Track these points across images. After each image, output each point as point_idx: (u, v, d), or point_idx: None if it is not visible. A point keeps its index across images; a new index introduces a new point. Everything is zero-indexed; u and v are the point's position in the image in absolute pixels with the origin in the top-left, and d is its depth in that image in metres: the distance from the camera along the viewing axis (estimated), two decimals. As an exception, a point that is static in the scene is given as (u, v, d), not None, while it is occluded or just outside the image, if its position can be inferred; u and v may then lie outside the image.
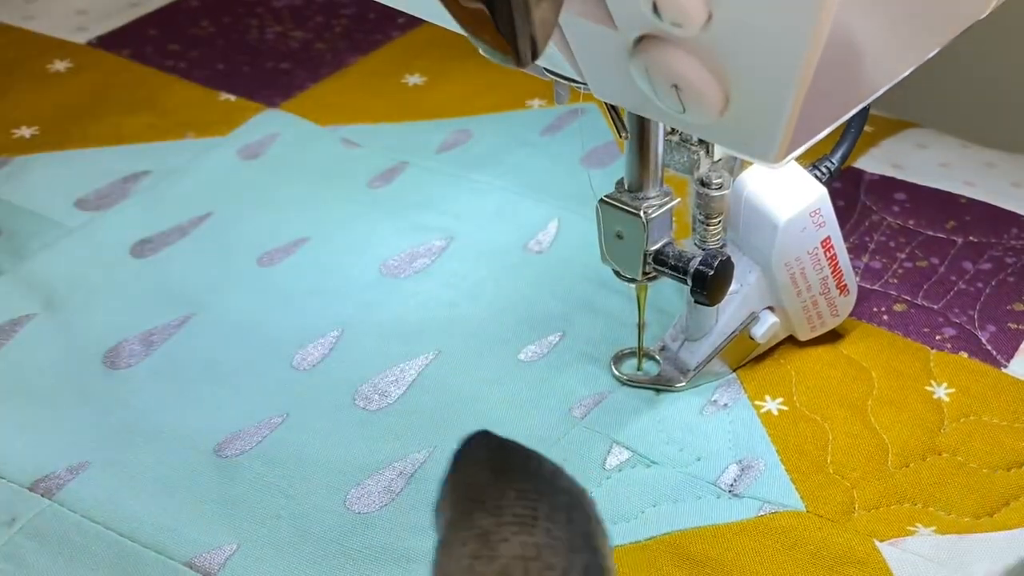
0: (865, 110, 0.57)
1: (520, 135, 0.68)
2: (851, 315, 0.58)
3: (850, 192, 0.65)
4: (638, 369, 0.55)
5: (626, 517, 0.50)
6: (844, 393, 0.55)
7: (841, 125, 0.55)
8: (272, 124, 0.68)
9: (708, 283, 0.50)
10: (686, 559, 0.48)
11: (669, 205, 0.51)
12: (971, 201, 0.64)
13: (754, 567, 0.48)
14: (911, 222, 0.63)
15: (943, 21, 0.44)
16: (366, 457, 0.52)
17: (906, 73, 0.44)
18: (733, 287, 0.53)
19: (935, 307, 0.59)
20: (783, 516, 0.50)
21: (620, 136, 0.50)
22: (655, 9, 0.39)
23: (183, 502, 0.50)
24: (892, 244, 0.62)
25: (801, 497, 0.51)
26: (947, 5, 0.44)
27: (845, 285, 0.55)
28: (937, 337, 0.57)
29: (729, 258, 0.51)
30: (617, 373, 0.55)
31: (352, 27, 0.76)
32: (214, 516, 0.50)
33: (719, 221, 0.52)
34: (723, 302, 0.53)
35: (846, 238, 0.62)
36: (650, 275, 0.52)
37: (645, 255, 0.51)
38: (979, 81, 0.81)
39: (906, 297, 0.59)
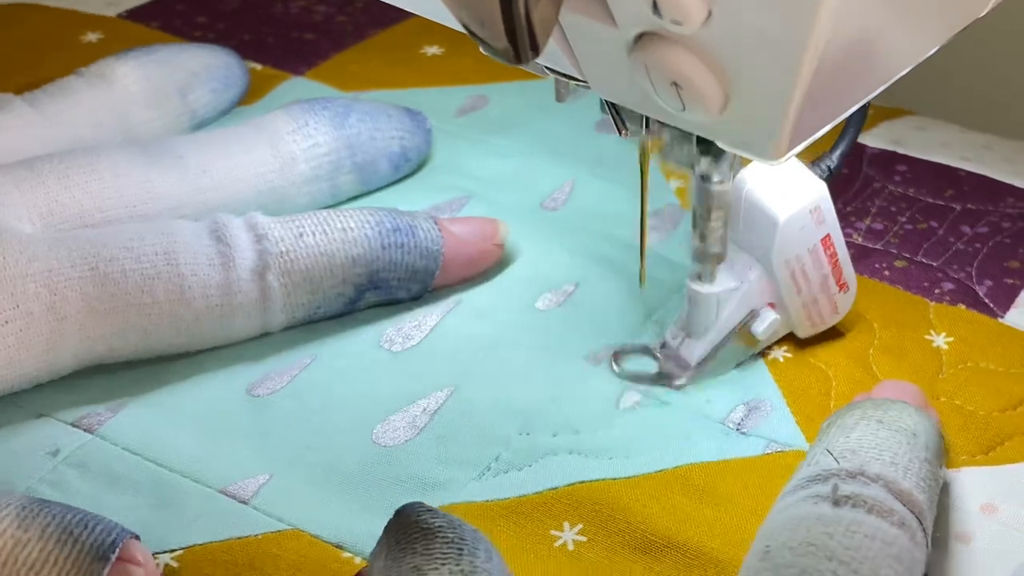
0: (864, 108, 0.58)
1: (536, 101, 0.70)
2: (855, 272, 0.60)
3: (853, 163, 0.67)
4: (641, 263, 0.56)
5: (638, 452, 0.53)
6: (847, 342, 0.57)
7: (840, 123, 0.55)
8: (297, 91, 0.71)
9: None
10: (695, 489, 0.51)
11: None
12: (969, 174, 0.66)
13: (761, 499, 0.51)
14: (911, 190, 0.65)
15: (943, 19, 0.45)
16: (391, 395, 0.54)
17: (905, 71, 0.45)
18: (733, 284, 0.54)
19: (934, 264, 0.61)
20: (788, 454, 0.52)
21: (620, 135, 0.51)
22: (655, 7, 0.39)
23: (218, 437, 0.53)
24: (893, 209, 0.64)
25: (806, 437, 0.53)
26: (947, 4, 0.45)
27: (845, 282, 0.56)
28: (936, 291, 0.60)
29: None
30: (617, 371, 0.56)
31: (372, 2, 0.79)
32: (247, 449, 0.52)
33: (720, 216, 0.53)
34: (724, 299, 0.54)
35: (849, 203, 0.65)
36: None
37: None
38: (975, 72, 0.83)
39: (906, 255, 0.62)
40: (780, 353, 0.57)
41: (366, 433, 0.53)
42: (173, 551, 0.48)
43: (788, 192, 0.54)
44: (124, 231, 0.54)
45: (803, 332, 0.56)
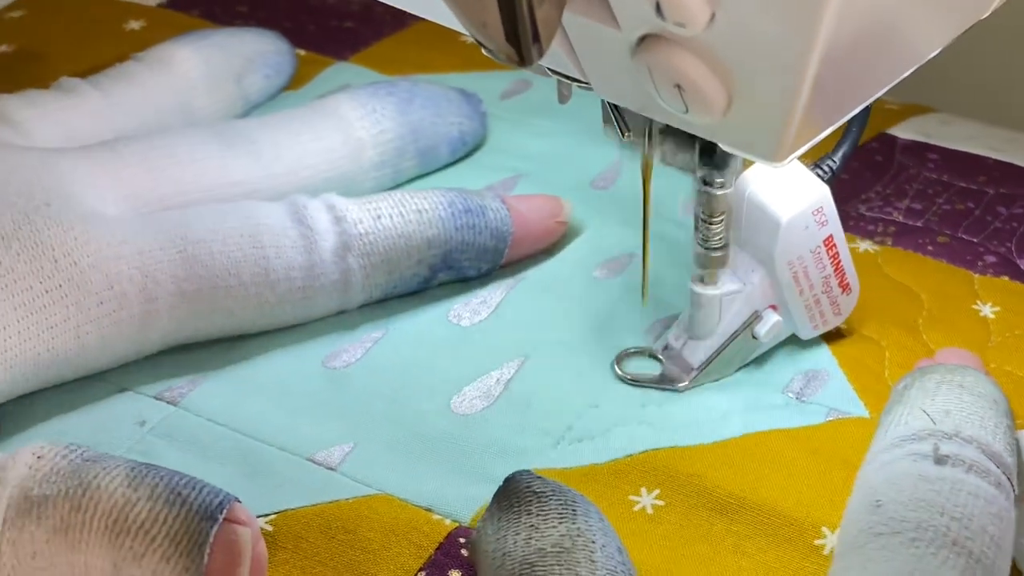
0: (866, 109, 0.59)
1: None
2: (898, 247, 0.62)
3: (886, 151, 0.69)
4: (644, 267, 0.56)
5: (705, 422, 0.54)
6: (896, 313, 0.59)
7: (842, 124, 0.55)
8: (343, 76, 0.72)
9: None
10: (763, 455, 0.53)
11: None
12: (998, 162, 0.68)
13: (826, 463, 0.52)
14: (945, 176, 0.67)
15: (946, 21, 0.45)
16: (464, 367, 0.56)
17: (907, 73, 0.46)
18: (736, 286, 0.55)
19: (975, 240, 0.63)
20: (849, 421, 0.54)
21: (622, 137, 0.52)
22: (658, 9, 0.39)
23: (298, 408, 0.54)
24: (930, 191, 0.66)
25: (864, 405, 0.55)
26: (950, 5, 0.45)
27: (847, 284, 0.57)
28: (979, 263, 0.62)
29: None
30: (620, 372, 0.57)
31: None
32: (328, 419, 0.54)
33: (721, 220, 0.53)
34: (726, 301, 0.55)
35: (887, 186, 0.66)
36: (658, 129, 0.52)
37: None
38: (996, 70, 0.85)
39: (947, 231, 0.64)
40: (834, 324, 0.59)
41: (444, 403, 0.54)
42: (267, 516, 0.50)
43: (790, 193, 0.54)
44: (208, 213, 0.56)
45: (805, 334, 0.57)
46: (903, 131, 0.70)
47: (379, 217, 0.57)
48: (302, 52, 0.74)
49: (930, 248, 0.63)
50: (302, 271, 0.55)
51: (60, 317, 0.52)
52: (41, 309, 0.52)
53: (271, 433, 0.53)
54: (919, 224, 0.64)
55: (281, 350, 0.57)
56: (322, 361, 0.56)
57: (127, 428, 0.53)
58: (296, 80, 0.72)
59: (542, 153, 0.68)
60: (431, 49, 0.75)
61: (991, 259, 0.62)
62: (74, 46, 0.74)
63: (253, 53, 0.68)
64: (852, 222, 0.64)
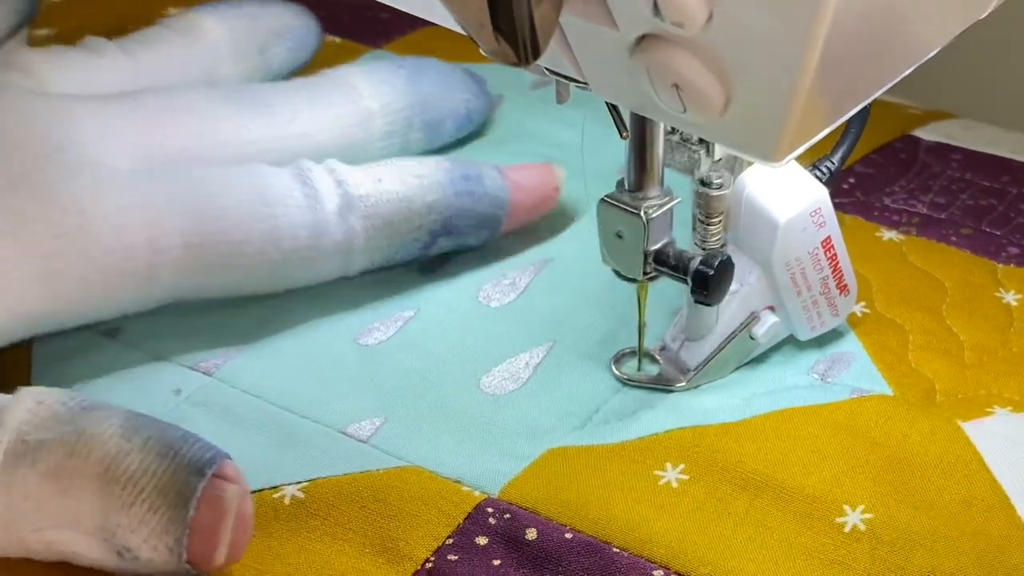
0: (865, 109, 0.58)
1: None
2: (923, 237, 0.63)
3: (909, 150, 0.70)
4: (638, 369, 0.57)
5: (729, 402, 0.55)
6: (920, 299, 0.60)
7: (841, 125, 0.54)
8: (379, 63, 0.73)
9: (708, 283, 0.51)
10: (786, 433, 0.53)
11: (669, 205, 0.52)
12: (1022, 164, 0.69)
13: (848, 440, 0.53)
14: (968, 175, 0.68)
15: (944, 20, 0.45)
16: (493, 348, 0.57)
17: (906, 73, 0.46)
18: (733, 287, 0.55)
19: (998, 233, 0.64)
20: (874, 399, 0.55)
21: (621, 136, 0.52)
22: (656, 9, 0.39)
23: (331, 382, 0.56)
24: (954, 188, 0.67)
25: (888, 384, 0.56)
26: (947, 5, 0.45)
27: (845, 285, 0.57)
28: (1003, 254, 0.63)
29: (729, 258, 0.52)
30: (617, 373, 0.57)
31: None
32: (360, 395, 0.55)
33: (719, 221, 0.54)
34: (723, 302, 0.55)
35: (910, 182, 0.67)
36: (650, 275, 0.53)
37: (645, 255, 0.53)
38: (1018, 77, 0.85)
39: (971, 224, 0.64)
40: (858, 308, 0.59)
41: (473, 382, 0.56)
42: (298, 483, 0.51)
43: (788, 195, 0.54)
44: (217, 171, 0.56)
45: (803, 335, 0.57)
46: (926, 134, 0.71)
47: (379, 180, 0.58)
48: (337, 39, 0.75)
49: (954, 239, 0.63)
50: (307, 229, 0.56)
51: (66, 263, 0.52)
52: (47, 255, 0.52)
53: (304, 406, 0.54)
54: (943, 216, 0.65)
55: (314, 326, 0.58)
56: (354, 338, 0.58)
57: (163, 395, 0.54)
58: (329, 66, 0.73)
59: (571, 142, 0.69)
60: (463, 40, 0.76)
61: (1014, 250, 0.63)
62: (114, 31, 0.75)
63: (279, 26, 0.69)
64: (877, 212, 0.65)
